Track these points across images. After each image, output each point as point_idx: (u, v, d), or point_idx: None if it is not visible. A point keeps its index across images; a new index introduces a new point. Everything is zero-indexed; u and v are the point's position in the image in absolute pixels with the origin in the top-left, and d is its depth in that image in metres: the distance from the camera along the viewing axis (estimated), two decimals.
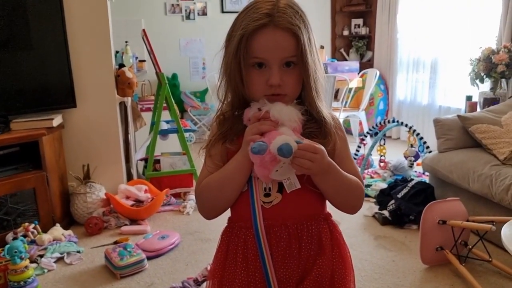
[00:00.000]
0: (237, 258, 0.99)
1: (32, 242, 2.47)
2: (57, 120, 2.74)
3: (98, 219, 2.75)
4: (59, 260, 2.41)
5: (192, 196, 3.19)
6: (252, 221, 0.96)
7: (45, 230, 2.57)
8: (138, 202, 2.96)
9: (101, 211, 2.85)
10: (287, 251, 0.96)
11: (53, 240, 2.51)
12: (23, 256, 2.08)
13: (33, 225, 2.53)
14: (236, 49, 0.91)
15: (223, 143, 0.98)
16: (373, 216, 2.85)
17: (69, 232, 2.66)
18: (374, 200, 3.02)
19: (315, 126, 0.96)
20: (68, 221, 2.86)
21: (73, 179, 2.90)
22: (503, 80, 3.35)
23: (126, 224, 2.82)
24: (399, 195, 2.74)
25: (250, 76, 0.93)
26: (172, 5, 5.20)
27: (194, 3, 5.25)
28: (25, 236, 2.46)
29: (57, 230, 2.59)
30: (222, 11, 5.33)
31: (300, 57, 0.91)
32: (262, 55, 0.91)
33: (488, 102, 3.28)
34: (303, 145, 0.85)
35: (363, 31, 5.66)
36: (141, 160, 3.61)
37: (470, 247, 2.20)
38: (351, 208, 1.02)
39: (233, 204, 1.01)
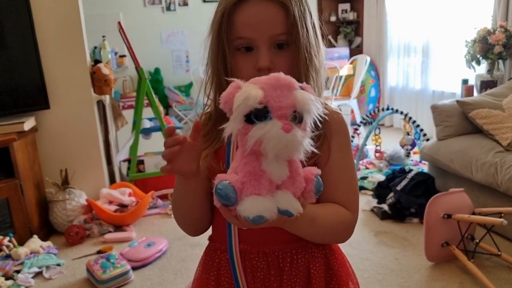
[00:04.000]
0: (209, 284, 0.84)
1: (7, 256, 2.28)
2: (29, 124, 2.53)
3: (79, 227, 2.57)
4: (38, 275, 2.22)
5: None
6: (227, 244, 0.81)
7: (21, 243, 2.38)
8: (122, 206, 2.78)
9: (83, 218, 2.67)
10: (265, 283, 0.80)
11: (31, 253, 2.32)
12: None
13: (7, 238, 2.35)
14: (218, 29, 0.76)
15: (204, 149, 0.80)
16: (372, 210, 2.71)
17: (48, 243, 2.47)
18: (372, 193, 2.87)
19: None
20: (48, 231, 2.68)
21: (50, 185, 2.70)
22: (500, 61, 3.21)
23: (110, 231, 2.64)
24: (398, 188, 2.59)
25: (236, 61, 0.77)
26: None
27: None
28: None
29: (35, 242, 2.41)
30: (204, 1, 5.11)
31: (291, 32, 0.74)
32: (247, 34, 0.74)
33: (485, 84, 3.15)
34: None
35: (351, 16, 5.49)
36: (124, 161, 3.43)
37: (477, 241, 2.06)
38: (335, 242, 0.85)
39: (213, 221, 0.86)
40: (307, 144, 0.58)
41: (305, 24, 0.77)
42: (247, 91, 0.58)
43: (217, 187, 0.59)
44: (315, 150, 0.61)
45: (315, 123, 0.72)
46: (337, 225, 0.77)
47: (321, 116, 0.69)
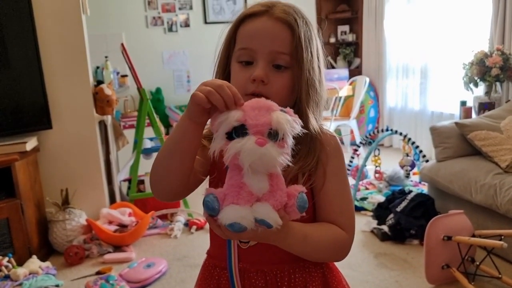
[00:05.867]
0: None
1: (6, 277, 2.27)
2: (31, 143, 2.55)
3: (78, 247, 2.56)
4: None
5: (180, 218, 3.02)
6: (226, 262, 0.83)
7: (20, 263, 2.37)
8: (122, 226, 2.78)
9: (82, 238, 2.66)
10: None
11: (29, 274, 2.31)
12: None
13: (7, 258, 2.34)
14: (229, 40, 0.83)
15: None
16: (372, 231, 2.70)
17: (47, 263, 2.46)
18: (372, 214, 2.87)
19: (297, 140, 0.75)
20: (47, 251, 2.67)
21: (51, 205, 2.70)
22: (498, 84, 3.25)
23: (109, 252, 2.62)
24: (398, 209, 2.59)
25: (234, 71, 0.81)
26: (154, 17, 5.05)
27: (176, 15, 5.11)
28: None
29: (34, 263, 2.39)
30: (205, 22, 5.19)
31: (295, 54, 0.77)
32: (249, 45, 0.78)
33: (483, 106, 3.18)
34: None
35: (350, 37, 5.56)
36: (124, 180, 3.43)
37: (478, 263, 2.06)
38: (330, 261, 0.86)
39: (211, 236, 0.89)
40: (284, 159, 0.63)
41: (310, 48, 0.80)
42: (228, 112, 0.64)
43: (204, 199, 0.65)
44: (290, 164, 0.65)
45: (312, 147, 0.75)
46: (331, 243, 0.79)
47: (316, 140, 0.77)
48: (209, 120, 0.70)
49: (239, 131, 0.63)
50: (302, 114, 0.78)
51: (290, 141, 0.64)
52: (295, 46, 0.78)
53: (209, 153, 0.65)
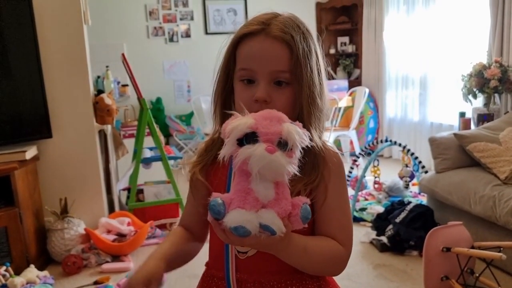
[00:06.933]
0: None
1: (3, 286, 2.26)
2: (30, 152, 2.55)
3: (76, 257, 2.55)
4: None
5: None
6: (224, 272, 0.84)
7: (18, 272, 2.36)
8: (121, 236, 2.77)
9: (80, 248, 2.65)
10: None
11: (27, 283, 2.30)
12: None
13: (4, 267, 2.33)
14: (228, 58, 0.83)
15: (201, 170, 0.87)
16: (371, 242, 2.70)
17: (45, 273, 2.45)
18: (371, 225, 2.87)
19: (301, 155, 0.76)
20: (45, 260, 2.66)
21: (49, 214, 2.70)
22: (496, 95, 3.27)
23: (107, 261, 2.61)
24: (397, 220, 2.59)
25: (237, 90, 0.82)
26: (155, 27, 5.09)
27: (177, 25, 5.15)
28: None
29: (31, 272, 2.38)
30: (206, 33, 5.23)
31: (294, 71, 0.78)
32: (249, 66, 0.79)
33: (482, 118, 3.19)
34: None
35: (350, 48, 5.60)
36: (124, 190, 3.43)
37: (477, 275, 2.05)
38: (327, 275, 0.87)
39: (210, 247, 0.91)
40: (292, 169, 0.65)
41: (309, 64, 0.80)
42: (240, 119, 0.67)
43: (210, 203, 0.66)
44: (298, 174, 0.67)
45: (316, 164, 0.76)
46: (329, 257, 0.80)
47: (319, 157, 0.78)
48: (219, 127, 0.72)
49: (250, 138, 0.65)
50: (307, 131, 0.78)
51: (298, 153, 0.66)
52: (293, 64, 0.78)
53: (219, 158, 0.67)
